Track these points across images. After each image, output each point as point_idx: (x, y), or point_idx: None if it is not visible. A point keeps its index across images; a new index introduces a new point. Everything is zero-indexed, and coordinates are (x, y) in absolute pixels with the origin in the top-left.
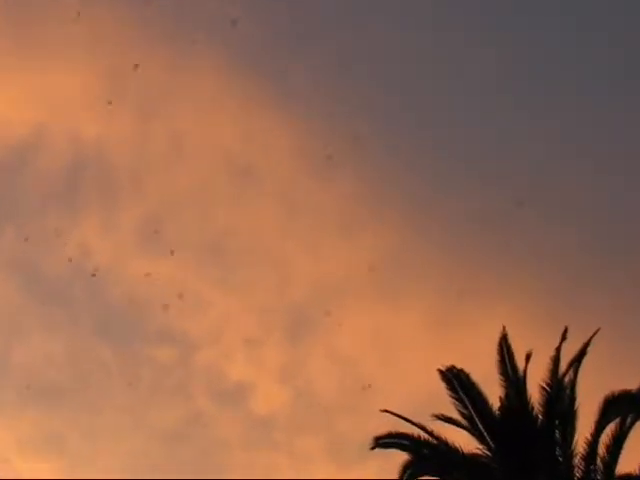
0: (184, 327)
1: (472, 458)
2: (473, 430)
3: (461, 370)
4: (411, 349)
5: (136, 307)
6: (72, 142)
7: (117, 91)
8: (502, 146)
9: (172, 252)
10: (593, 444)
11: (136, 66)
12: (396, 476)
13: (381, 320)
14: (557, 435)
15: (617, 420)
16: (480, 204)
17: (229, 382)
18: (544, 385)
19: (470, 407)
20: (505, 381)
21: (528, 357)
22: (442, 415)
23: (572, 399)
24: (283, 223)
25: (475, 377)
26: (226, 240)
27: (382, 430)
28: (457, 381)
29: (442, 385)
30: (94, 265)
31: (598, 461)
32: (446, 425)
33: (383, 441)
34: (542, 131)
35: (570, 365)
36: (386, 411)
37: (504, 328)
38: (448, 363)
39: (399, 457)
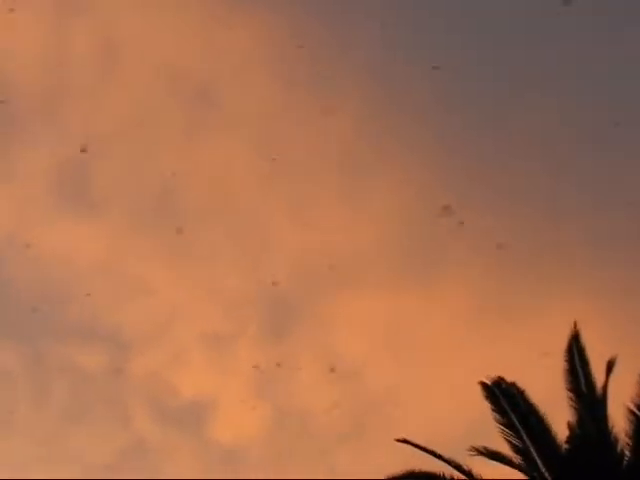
0: (116, 320)
1: None
2: (530, 470)
3: (513, 384)
4: (440, 353)
5: (48, 292)
6: None
7: None
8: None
9: None
10: None
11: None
12: None
13: (396, 312)
14: None
15: None
16: (548, 148)
17: (181, 398)
18: (632, 407)
19: (526, 437)
20: (576, 400)
21: (610, 366)
22: (485, 448)
23: None
24: (258, 171)
25: (533, 394)
26: (176, 193)
27: (398, 468)
28: (507, 399)
29: (485, 405)
30: None
31: None
32: (491, 462)
33: None
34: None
35: None
36: (404, 441)
37: (575, 325)
38: (494, 374)
39: None
